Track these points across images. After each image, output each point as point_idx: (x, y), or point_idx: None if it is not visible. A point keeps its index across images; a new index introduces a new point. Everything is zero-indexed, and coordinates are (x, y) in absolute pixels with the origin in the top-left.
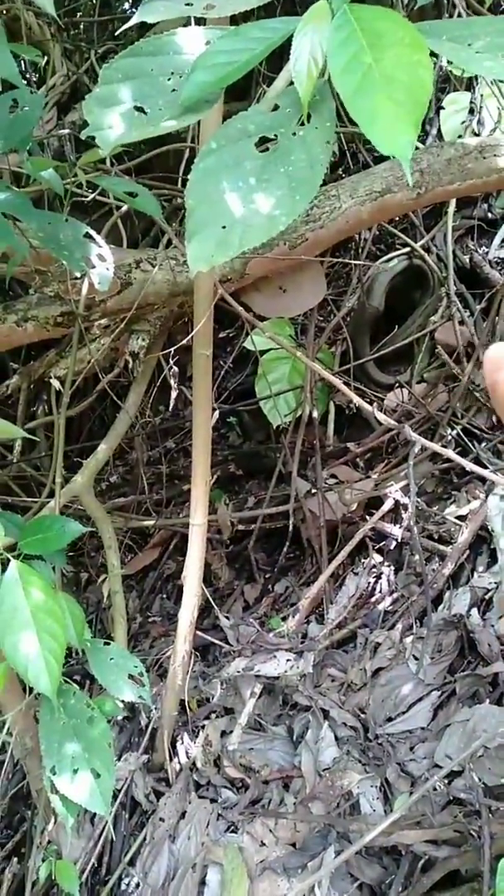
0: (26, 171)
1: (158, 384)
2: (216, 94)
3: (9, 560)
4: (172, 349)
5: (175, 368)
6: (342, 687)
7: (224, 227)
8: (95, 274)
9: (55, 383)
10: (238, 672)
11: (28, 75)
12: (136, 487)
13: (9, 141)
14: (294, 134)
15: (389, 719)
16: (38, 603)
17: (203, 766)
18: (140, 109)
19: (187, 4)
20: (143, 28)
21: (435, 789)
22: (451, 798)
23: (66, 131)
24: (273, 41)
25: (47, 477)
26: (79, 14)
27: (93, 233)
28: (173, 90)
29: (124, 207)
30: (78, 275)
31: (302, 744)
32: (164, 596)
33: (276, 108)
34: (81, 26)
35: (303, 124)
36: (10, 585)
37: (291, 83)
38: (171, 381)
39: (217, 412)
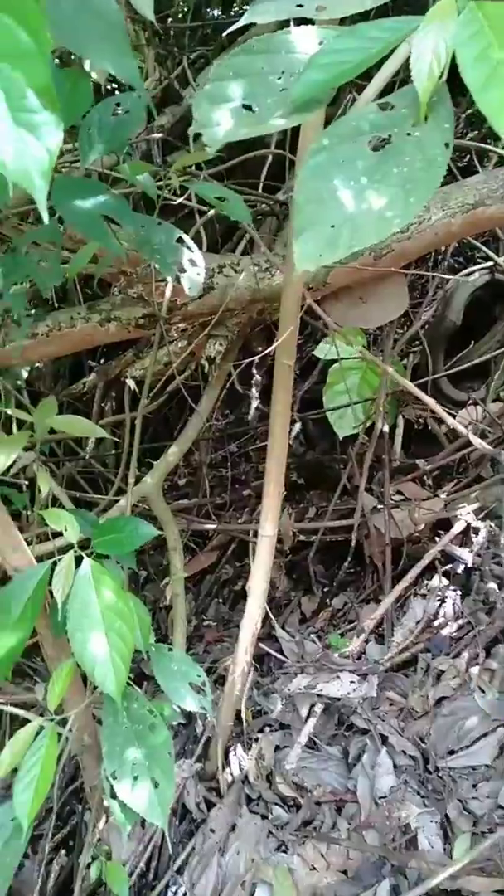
0: (116, 174)
1: (227, 388)
2: (327, 93)
3: (82, 557)
4: (257, 358)
5: (258, 377)
6: (401, 712)
7: (333, 227)
8: (186, 279)
9: (130, 383)
10: (299, 689)
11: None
12: (199, 489)
13: (110, 143)
14: (408, 134)
15: (451, 752)
16: (108, 603)
17: (255, 780)
18: (248, 108)
19: (298, 6)
20: (233, 34)
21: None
22: None
23: (158, 135)
24: (390, 41)
25: (114, 474)
26: (170, 20)
27: (185, 237)
28: (283, 89)
29: (211, 212)
30: (169, 279)
31: (358, 767)
32: (220, 601)
33: (390, 107)
34: (172, 32)
35: (416, 125)
36: (83, 583)
37: (398, 84)
38: (253, 390)
39: (298, 423)
